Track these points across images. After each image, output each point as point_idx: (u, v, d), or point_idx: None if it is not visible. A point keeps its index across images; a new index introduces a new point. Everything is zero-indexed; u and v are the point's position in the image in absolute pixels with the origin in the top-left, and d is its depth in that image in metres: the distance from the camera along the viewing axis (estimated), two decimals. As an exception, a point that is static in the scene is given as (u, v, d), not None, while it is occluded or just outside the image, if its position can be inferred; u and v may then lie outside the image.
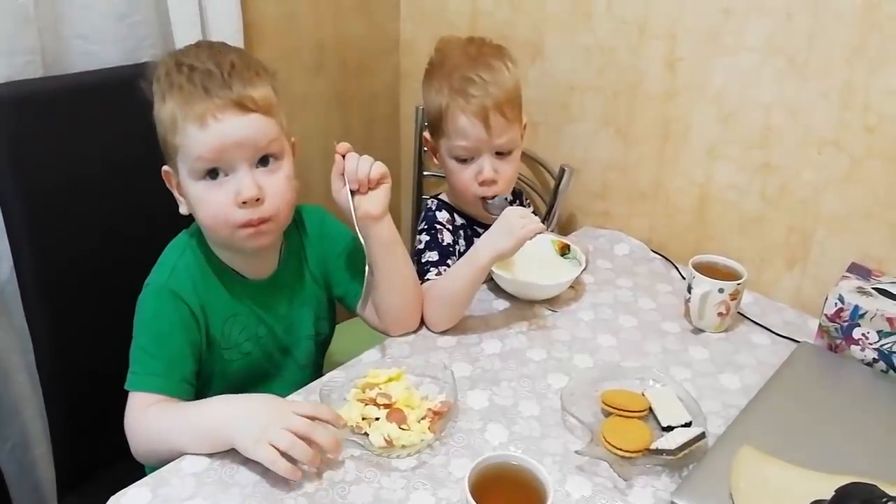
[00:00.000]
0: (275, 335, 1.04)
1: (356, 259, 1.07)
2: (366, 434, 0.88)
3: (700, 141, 1.31)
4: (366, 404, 0.92)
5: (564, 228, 1.57)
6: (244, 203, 0.89)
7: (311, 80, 1.63)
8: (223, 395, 0.89)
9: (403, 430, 0.88)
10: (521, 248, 1.06)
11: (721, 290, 1.10)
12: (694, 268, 1.13)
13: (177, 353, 0.93)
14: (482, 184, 1.19)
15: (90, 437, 1.11)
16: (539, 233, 1.04)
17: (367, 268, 1.01)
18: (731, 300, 1.11)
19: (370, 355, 1.07)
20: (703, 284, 1.10)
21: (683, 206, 1.37)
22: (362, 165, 0.98)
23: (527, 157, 1.57)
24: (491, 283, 1.25)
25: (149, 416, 0.89)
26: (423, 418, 0.91)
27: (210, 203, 0.91)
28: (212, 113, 0.87)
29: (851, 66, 1.10)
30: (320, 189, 1.79)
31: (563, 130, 1.50)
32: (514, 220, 1.05)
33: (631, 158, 1.42)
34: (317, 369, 1.14)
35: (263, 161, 0.92)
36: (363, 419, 0.90)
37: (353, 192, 0.99)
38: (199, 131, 0.88)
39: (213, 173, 0.90)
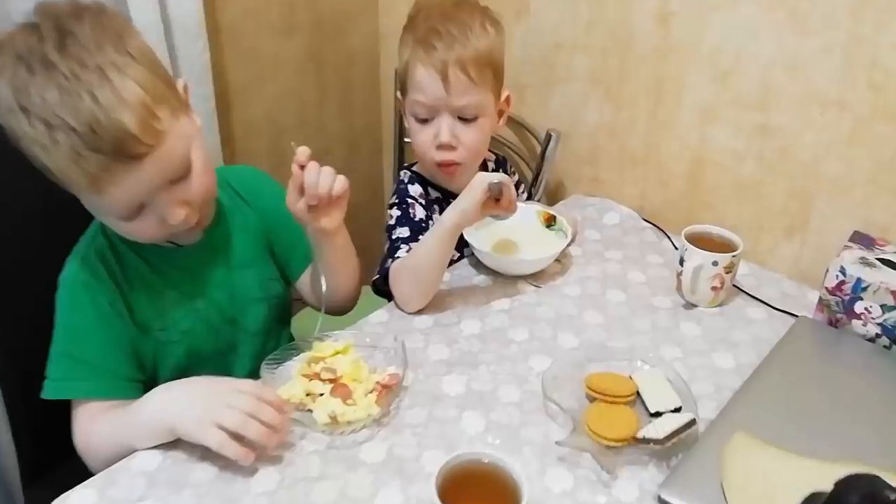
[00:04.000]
0: (216, 305, 0.97)
1: (296, 225, 1.01)
2: (310, 411, 0.83)
3: (694, 102, 1.22)
4: (310, 379, 0.87)
5: (553, 196, 1.50)
6: (174, 224, 0.83)
7: (281, 41, 1.54)
8: (163, 385, 0.83)
9: (349, 405, 0.83)
10: (505, 218, 1.01)
11: (715, 263, 1.03)
12: (686, 239, 1.06)
13: (103, 351, 0.87)
14: (439, 148, 1.11)
15: (53, 427, 1.05)
16: (496, 183, 0.97)
17: (322, 283, 0.96)
18: (726, 273, 1.04)
19: (345, 330, 1.01)
20: (696, 257, 1.03)
21: (677, 171, 1.29)
22: (324, 181, 0.87)
23: (513, 122, 1.49)
24: (472, 258, 1.18)
25: (95, 428, 0.84)
26: (370, 392, 0.86)
27: (142, 234, 0.85)
28: (97, 179, 0.75)
29: (857, 19, 1.02)
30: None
31: (551, 92, 1.42)
32: (475, 178, 0.98)
33: (621, 121, 1.34)
34: (277, 336, 1.07)
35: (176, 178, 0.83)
36: (307, 395, 0.85)
37: (310, 207, 0.90)
38: (97, 197, 0.78)
39: (140, 207, 0.82)
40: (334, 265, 1.00)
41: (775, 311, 1.07)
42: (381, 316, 1.05)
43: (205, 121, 1.34)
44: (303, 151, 0.87)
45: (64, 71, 0.72)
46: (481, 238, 1.15)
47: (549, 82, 1.41)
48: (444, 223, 1.00)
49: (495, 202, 0.99)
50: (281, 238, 1.04)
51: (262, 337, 1.04)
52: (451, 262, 1.20)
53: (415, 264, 1.03)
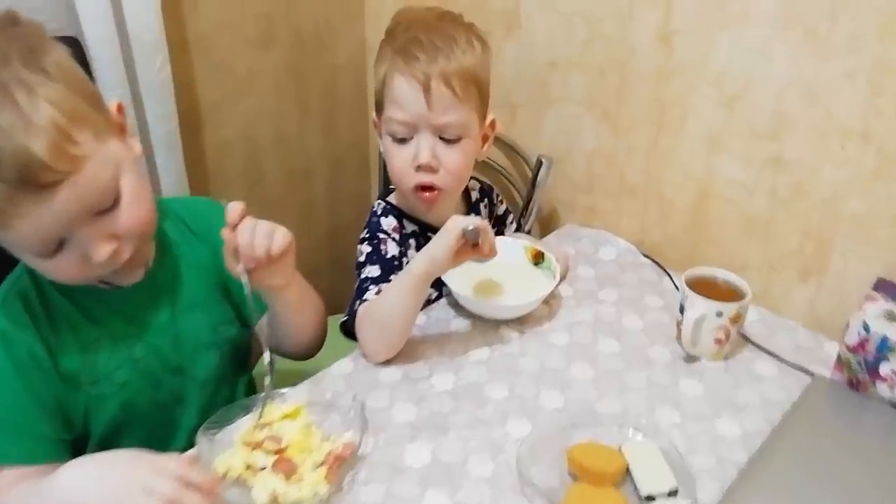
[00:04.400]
0: (158, 353, 0.86)
1: None
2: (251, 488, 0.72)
3: (700, 129, 1.11)
4: (253, 448, 0.76)
5: (546, 225, 1.39)
6: (101, 264, 0.74)
7: (257, 55, 1.44)
8: (78, 459, 0.72)
9: (294, 482, 0.72)
10: (486, 261, 0.91)
11: (719, 314, 0.91)
12: (688, 284, 0.94)
13: (19, 409, 0.76)
14: (418, 169, 0.99)
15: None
16: (472, 230, 0.86)
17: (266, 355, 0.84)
18: (732, 324, 0.93)
19: (300, 387, 0.90)
20: (698, 306, 0.92)
21: (680, 204, 1.18)
22: (259, 242, 0.76)
23: (503, 145, 1.38)
24: (451, 297, 1.07)
25: (8, 501, 0.73)
26: (320, 465, 0.75)
27: (64, 273, 0.75)
28: (1, 212, 0.67)
29: (884, 42, 0.90)
30: (274, 177, 1.64)
31: (544, 114, 1.31)
32: (449, 222, 0.88)
33: (619, 147, 1.22)
34: (231, 385, 0.97)
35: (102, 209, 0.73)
36: (248, 468, 0.74)
37: (250, 271, 0.79)
38: (3, 232, 0.69)
39: (59, 243, 0.72)
40: (288, 317, 0.90)
41: (788, 366, 0.95)
42: (344, 367, 0.94)
43: (166, 143, 1.24)
44: (233, 209, 0.76)
45: None
46: (460, 277, 1.04)
47: (542, 103, 1.30)
48: (413, 271, 0.89)
49: (473, 247, 0.89)
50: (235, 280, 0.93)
51: (213, 386, 0.93)
52: (429, 302, 1.09)
53: (381, 312, 0.92)
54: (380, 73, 0.99)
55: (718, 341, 0.94)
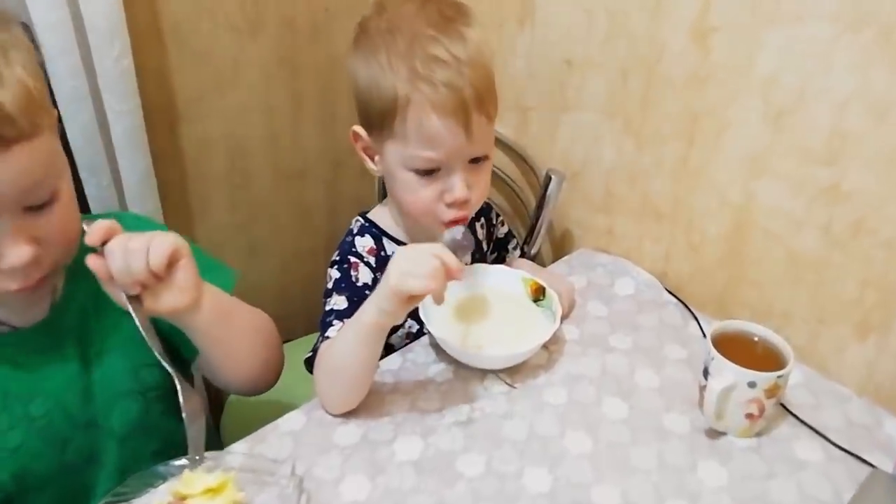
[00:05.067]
0: (63, 408, 0.72)
1: None
2: None
3: (739, 147, 0.92)
4: None
5: (558, 247, 1.21)
6: (12, 270, 0.63)
7: (243, 43, 1.29)
8: None
9: None
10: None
11: (752, 385, 0.73)
12: (716, 343, 0.77)
13: None
14: (451, 205, 0.84)
15: None
16: (425, 293, 0.70)
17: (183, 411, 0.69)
18: (768, 398, 0.75)
19: (238, 447, 0.75)
20: (727, 373, 0.74)
21: (712, 233, 0.99)
22: (134, 262, 0.63)
23: (513, 153, 1.21)
24: (433, 338, 0.91)
25: None
26: None
27: None
28: None
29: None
30: (264, 179, 1.50)
31: (558, 120, 1.13)
32: (391, 271, 0.70)
33: (643, 163, 1.04)
34: (160, 435, 0.80)
35: (34, 206, 0.63)
36: None
37: (137, 296, 0.65)
38: None
39: None
40: (212, 347, 0.74)
41: (838, 449, 0.77)
42: (294, 421, 0.79)
43: (129, 141, 1.11)
44: (93, 230, 0.62)
45: None
46: (444, 314, 0.88)
47: (556, 107, 1.12)
48: (363, 320, 0.74)
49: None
50: None
51: (136, 440, 0.78)
52: (410, 335, 0.93)
53: (334, 360, 0.77)
54: (383, 87, 0.79)
55: (750, 416, 0.76)
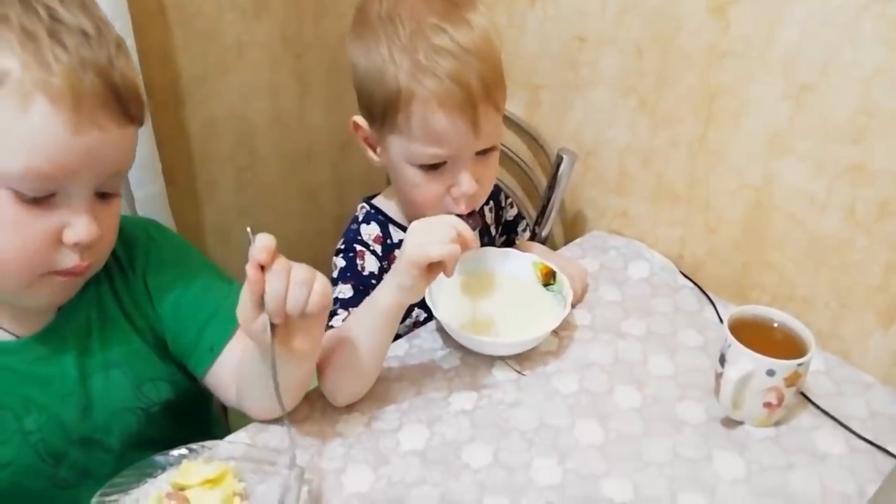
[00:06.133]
0: (60, 423, 0.69)
1: (205, 302, 0.73)
2: None
3: (759, 125, 0.88)
4: None
5: (570, 229, 1.18)
6: (74, 245, 0.61)
7: (248, 24, 1.26)
8: None
9: None
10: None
11: (771, 373, 0.70)
12: (733, 329, 0.74)
13: None
14: (458, 198, 0.81)
15: None
16: (444, 259, 0.67)
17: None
18: (787, 386, 0.71)
19: (239, 437, 0.74)
20: (744, 361, 0.71)
21: (730, 216, 0.96)
22: (295, 294, 0.58)
23: (523, 133, 1.18)
24: (440, 324, 0.88)
25: None
26: None
27: (16, 242, 0.60)
28: (92, 114, 0.58)
29: None
30: (270, 160, 1.47)
31: (571, 99, 1.09)
32: (407, 243, 0.68)
33: (659, 143, 1.00)
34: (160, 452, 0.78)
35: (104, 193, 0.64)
36: None
37: (273, 326, 0.60)
38: (65, 131, 0.57)
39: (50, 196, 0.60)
40: (287, 389, 0.67)
41: (861, 440, 0.74)
42: (296, 410, 0.77)
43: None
44: (263, 244, 0.57)
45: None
46: (450, 298, 0.86)
47: (568, 85, 1.08)
48: (381, 303, 0.72)
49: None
50: (177, 321, 0.74)
51: (135, 455, 0.71)
52: (417, 324, 0.91)
53: (345, 350, 0.74)
54: (386, 77, 0.76)
55: (768, 405, 0.73)
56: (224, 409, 1.19)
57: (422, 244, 0.67)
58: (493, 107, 0.77)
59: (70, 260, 0.61)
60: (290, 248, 0.61)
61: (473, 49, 0.74)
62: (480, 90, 0.74)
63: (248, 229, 0.59)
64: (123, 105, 0.60)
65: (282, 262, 0.58)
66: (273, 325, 0.59)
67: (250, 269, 0.57)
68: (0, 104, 0.55)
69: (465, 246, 0.68)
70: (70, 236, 0.60)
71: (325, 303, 0.60)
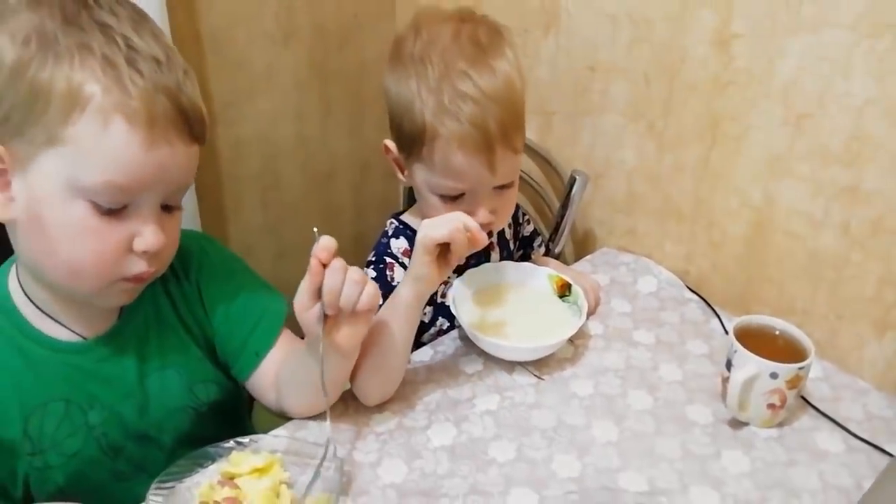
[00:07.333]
0: (120, 419, 0.75)
1: (251, 310, 0.79)
2: None
3: (759, 149, 0.95)
4: None
5: (580, 247, 1.25)
6: (143, 252, 0.67)
7: (277, 51, 1.34)
8: None
9: None
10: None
11: (774, 376, 0.77)
12: (738, 336, 0.80)
13: None
14: None
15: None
16: (439, 239, 0.75)
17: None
18: (789, 389, 0.77)
19: (278, 432, 0.79)
20: (749, 364, 0.77)
21: (733, 233, 1.02)
22: (349, 290, 0.66)
23: (536, 156, 1.24)
24: (462, 330, 0.94)
25: None
26: None
27: (90, 248, 0.65)
28: (164, 133, 0.63)
29: None
30: (294, 180, 1.54)
31: (581, 124, 1.17)
32: (419, 231, 0.76)
33: (665, 165, 1.07)
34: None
35: (169, 206, 0.69)
36: None
37: (326, 317, 0.68)
38: (140, 148, 0.62)
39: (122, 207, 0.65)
40: (329, 382, 0.73)
41: (858, 440, 0.80)
42: (332, 408, 0.82)
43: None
44: (326, 245, 0.65)
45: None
46: (472, 308, 0.92)
47: (579, 111, 1.16)
48: (401, 298, 0.79)
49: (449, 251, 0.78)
50: (226, 327, 0.81)
51: (184, 452, 0.76)
52: (441, 332, 0.97)
53: (370, 345, 0.80)
54: (413, 112, 0.82)
55: (772, 407, 0.79)
56: (249, 410, 1.24)
57: (427, 229, 0.75)
58: (510, 149, 0.83)
59: (138, 266, 0.67)
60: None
61: (494, 95, 0.80)
62: (498, 134, 0.80)
63: (315, 229, 0.66)
64: (190, 125, 0.66)
65: (340, 261, 0.66)
66: (325, 317, 0.66)
67: (314, 262, 0.65)
68: (83, 124, 0.60)
69: (473, 239, 0.75)
70: (140, 244, 0.65)
71: (374, 303, 0.67)
